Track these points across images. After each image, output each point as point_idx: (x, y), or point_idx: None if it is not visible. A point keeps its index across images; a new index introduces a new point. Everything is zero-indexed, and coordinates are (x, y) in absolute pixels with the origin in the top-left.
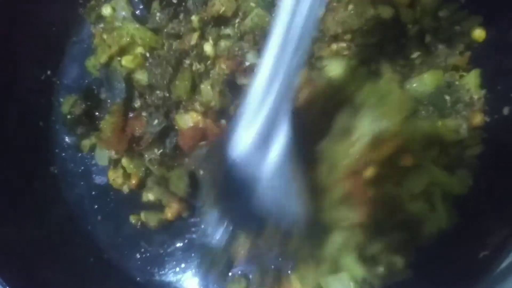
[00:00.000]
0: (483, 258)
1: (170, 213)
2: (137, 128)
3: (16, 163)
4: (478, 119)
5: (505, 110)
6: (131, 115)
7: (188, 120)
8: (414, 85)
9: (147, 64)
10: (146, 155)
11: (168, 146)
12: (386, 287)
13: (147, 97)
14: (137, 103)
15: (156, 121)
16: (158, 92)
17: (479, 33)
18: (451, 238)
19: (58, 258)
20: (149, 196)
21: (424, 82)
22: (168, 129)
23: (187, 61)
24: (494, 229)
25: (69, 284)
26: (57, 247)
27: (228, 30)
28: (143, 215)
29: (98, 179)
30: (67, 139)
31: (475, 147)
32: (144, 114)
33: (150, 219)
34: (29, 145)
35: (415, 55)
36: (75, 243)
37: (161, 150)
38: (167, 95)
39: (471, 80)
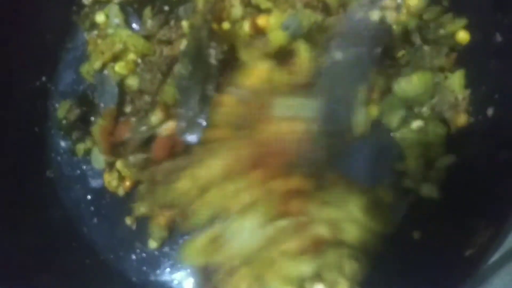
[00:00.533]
0: (468, 256)
1: (162, 221)
2: (125, 133)
3: (12, 167)
4: (462, 119)
5: (489, 111)
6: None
7: (165, 128)
8: (402, 84)
9: (138, 70)
10: (131, 158)
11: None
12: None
13: (136, 102)
14: (128, 108)
15: (144, 127)
16: (146, 96)
17: (463, 36)
18: (437, 236)
19: (54, 260)
20: (141, 209)
21: (412, 82)
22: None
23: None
24: (480, 227)
25: (66, 286)
26: (53, 250)
27: None
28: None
29: (94, 183)
30: (62, 143)
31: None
32: (133, 119)
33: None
34: (25, 150)
35: (400, 54)
36: (71, 245)
37: (146, 155)
38: (156, 100)
39: (456, 81)
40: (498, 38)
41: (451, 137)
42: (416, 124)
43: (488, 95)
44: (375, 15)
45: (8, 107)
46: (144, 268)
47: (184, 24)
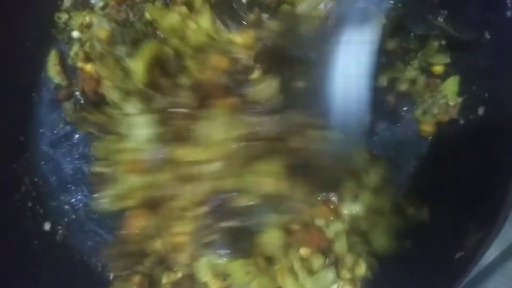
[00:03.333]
0: (459, 258)
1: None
2: None
3: None
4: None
5: (480, 110)
6: None
7: None
8: None
9: None
10: None
11: None
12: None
13: None
14: None
15: None
16: None
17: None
18: (427, 239)
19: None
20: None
21: None
22: None
23: None
24: (470, 230)
25: None
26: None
27: None
28: None
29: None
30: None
31: None
32: None
33: None
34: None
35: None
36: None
37: None
38: None
39: (449, 87)
40: (487, 36)
41: (442, 137)
42: None
43: (479, 94)
44: None
45: None
46: None
47: None
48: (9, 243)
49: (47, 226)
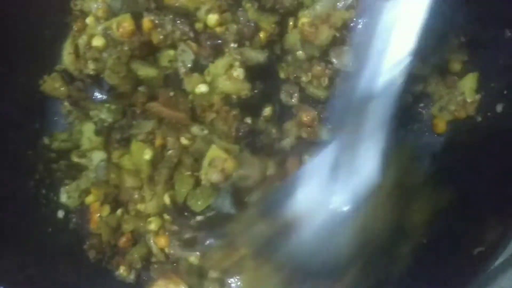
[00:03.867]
0: (478, 254)
1: None
2: None
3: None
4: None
5: (499, 107)
6: None
7: None
8: None
9: None
10: None
11: None
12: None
13: None
14: None
15: None
16: None
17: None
18: (446, 234)
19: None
20: None
21: None
22: None
23: None
24: (489, 225)
25: None
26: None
27: None
28: None
29: None
30: None
31: None
32: None
33: None
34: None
35: None
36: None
37: None
38: None
39: (467, 83)
40: (507, 34)
41: (459, 133)
42: None
43: (498, 91)
44: None
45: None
46: None
47: None
48: (22, 230)
49: (60, 213)
